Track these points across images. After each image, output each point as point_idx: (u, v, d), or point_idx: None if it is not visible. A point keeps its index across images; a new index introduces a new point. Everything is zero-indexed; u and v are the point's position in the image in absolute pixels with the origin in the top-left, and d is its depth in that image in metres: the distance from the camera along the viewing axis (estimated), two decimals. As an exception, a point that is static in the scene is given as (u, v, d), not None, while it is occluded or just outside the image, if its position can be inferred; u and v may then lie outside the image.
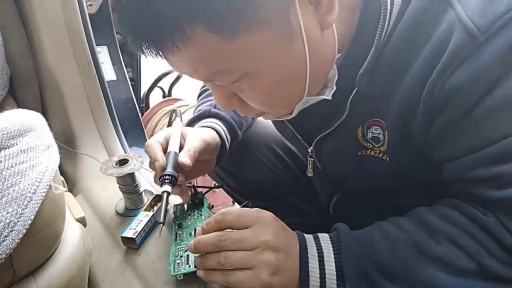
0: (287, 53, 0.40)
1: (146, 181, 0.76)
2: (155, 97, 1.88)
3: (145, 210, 0.62)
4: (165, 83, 1.84)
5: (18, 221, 0.35)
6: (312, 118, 0.53)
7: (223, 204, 1.46)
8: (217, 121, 0.67)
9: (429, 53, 0.39)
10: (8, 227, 0.34)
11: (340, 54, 0.46)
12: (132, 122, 1.13)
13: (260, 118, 0.64)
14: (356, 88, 0.46)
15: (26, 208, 0.36)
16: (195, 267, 0.48)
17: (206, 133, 0.61)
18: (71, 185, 0.81)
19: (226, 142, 0.66)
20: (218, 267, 0.45)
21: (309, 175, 0.64)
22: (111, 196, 0.71)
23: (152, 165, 0.57)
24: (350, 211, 0.64)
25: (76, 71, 0.88)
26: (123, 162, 0.63)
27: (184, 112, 1.61)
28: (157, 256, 0.56)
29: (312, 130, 0.56)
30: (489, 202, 0.41)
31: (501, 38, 0.35)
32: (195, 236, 0.50)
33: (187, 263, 0.51)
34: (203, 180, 1.26)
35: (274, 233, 0.45)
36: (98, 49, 0.98)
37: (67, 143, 0.86)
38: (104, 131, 0.92)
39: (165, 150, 0.57)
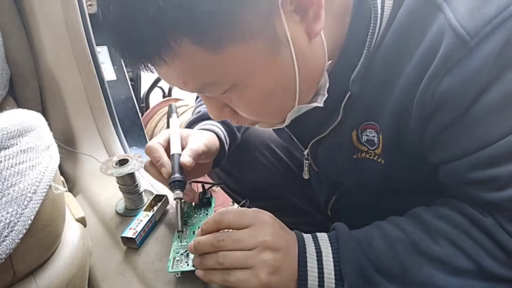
0: (274, 64, 0.39)
1: (146, 181, 0.76)
2: (155, 97, 1.87)
3: (145, 210, 0.62)
4: (165, 83, 1.83)
5: (18, 221, 0.35)
6: (307, 123, 0.53)
7: (223, 204, 1.46)
8: (216, 123, 0.67)
9: (421, 57, 0.39)
10: (8, 227, 0.34)
11: (330, 61, 0.45)
12: (132, 122, 1.13)
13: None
14: (349, 93, 0.46)
15: (26, 208, 0.36)
16: (193, 266, 0.49)
17: (207, 137, 0.61)
18: (71, 185, 0.81)
19: (225, 145, 0.66)
20: (217, 266, 0.45)
21: (305, 177, 0.64)
22: (111, 196, 0.71)
23: (149, 167, 0.57)
24: (348, 212, 0.64)
25: (76, 71, 0.88)
26: (123, 162, 0.64)
27: (184, 112, 1.61)
28: (157, 256, 0.56)
29: (307, 134, 0.56)
30: (487, 204, 0.41)
31: (491, 42, 0.35)
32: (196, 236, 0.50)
33: (186, 262, 0.51)
34: (203, 180, 1.26)
35: (273, 233, 0.45)
36: (98, 49, 0.98)
37: (67, 143, 0.86)
38: (104, 131, 0.92)
39: (166, 152, 0.57)
